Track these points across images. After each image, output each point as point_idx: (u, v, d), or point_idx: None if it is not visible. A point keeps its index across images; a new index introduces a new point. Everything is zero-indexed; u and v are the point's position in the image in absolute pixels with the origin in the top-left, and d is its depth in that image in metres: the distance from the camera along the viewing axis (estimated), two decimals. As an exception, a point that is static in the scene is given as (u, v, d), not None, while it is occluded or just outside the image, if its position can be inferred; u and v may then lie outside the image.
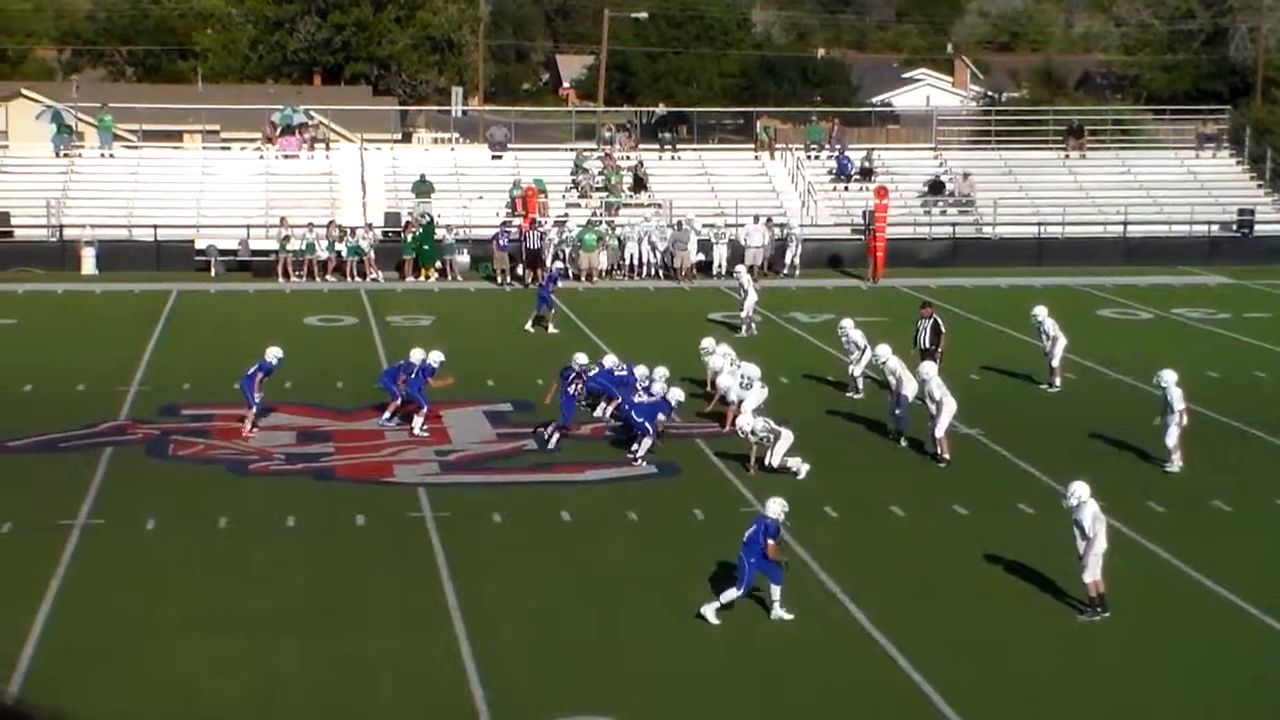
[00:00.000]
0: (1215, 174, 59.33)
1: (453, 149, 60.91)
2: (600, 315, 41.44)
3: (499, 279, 47.51)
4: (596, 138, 60.80)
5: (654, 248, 49.27)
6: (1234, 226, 55.04)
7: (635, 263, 49.17)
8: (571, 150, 58.26)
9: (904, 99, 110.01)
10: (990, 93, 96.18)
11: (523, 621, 19.67)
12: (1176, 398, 26.12)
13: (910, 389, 28.11)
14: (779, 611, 19.81)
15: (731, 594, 19.73)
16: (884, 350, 29.63)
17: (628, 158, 56.64)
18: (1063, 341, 32.60)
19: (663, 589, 20.92)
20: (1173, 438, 26.19)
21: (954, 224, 54.48)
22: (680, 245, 48.61)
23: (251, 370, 29.00)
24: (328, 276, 47.56)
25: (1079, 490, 20.03)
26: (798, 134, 61.80)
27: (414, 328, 39.69)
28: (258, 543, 22.65)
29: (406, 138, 70.69)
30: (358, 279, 47.52)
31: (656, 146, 58.84)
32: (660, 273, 48.96)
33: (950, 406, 27.06)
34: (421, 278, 48.13)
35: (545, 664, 18.34)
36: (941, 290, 45.39)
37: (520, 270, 47.56)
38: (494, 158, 57.22)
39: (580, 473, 26.46)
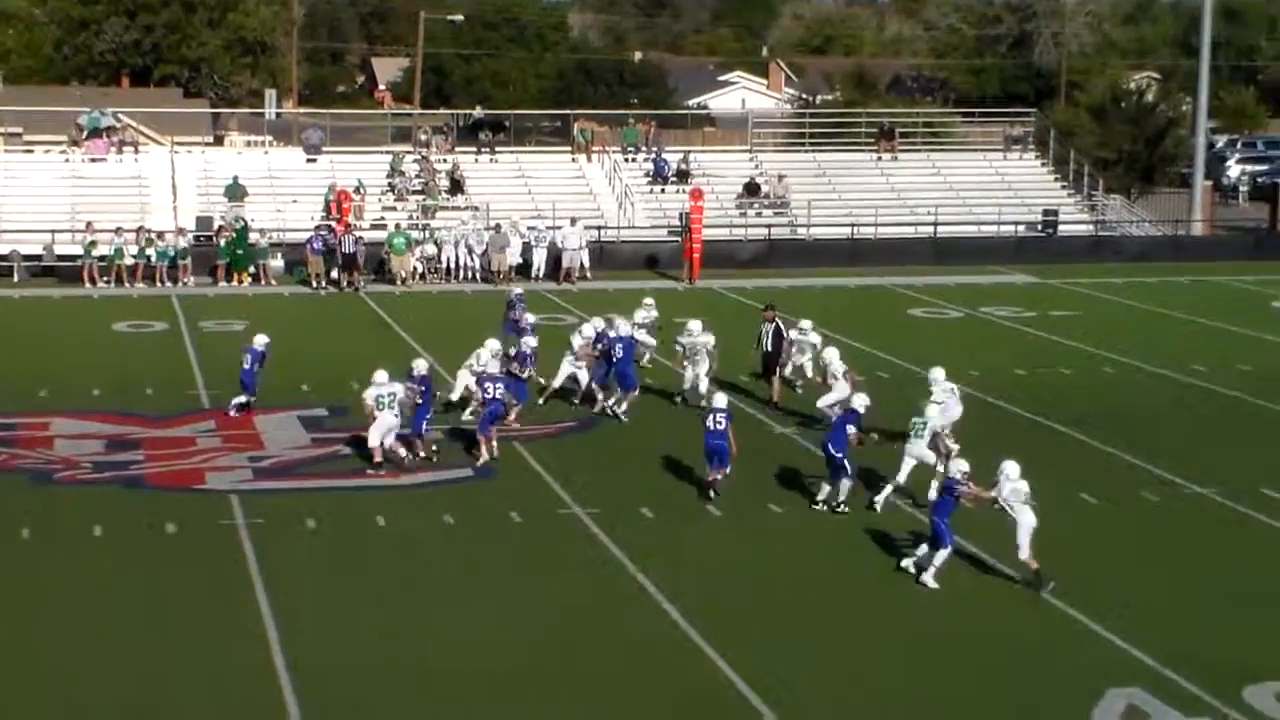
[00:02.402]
0: (1021, 175, 60.56)
1: (266, 152, 60.19)
2: (416, 319, 41.21)
3: (314, 283, 47.03)
4: (413, 140, 60.44)
5: (471, 251, 49.08)
6: (1039, 226, 56.24)
7: (452, 265, 48.95)
8: (388, 153, 57.87)
9: (720, 102, 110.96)
10: (804, 95, 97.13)
11: (337, 627, 19.48)
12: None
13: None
14: (929, 579, 20.92)
15: (941, 555, 20.93)
16: (694, 325, 30.85)
17: (444, 160, 56.41)
18: (809, 355, 31.68)
19: (479, 592, 20.86)
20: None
21: (769, 225, 55.02)
22: (497, 248, 48.50)
23: (248, 365, 29.66)
24: (137, 282, 46.70)
25: (1008, 470, 21.12)
26: (614, 136, 61.94)
27: (227, 333, 39.14)
28: (63, 554, 22.16)
29: (219, 141, 69.72)
30: (168, 284, 46.73)
31: (473, 149, 58.66)
32: (477, 276, 48.79)
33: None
34: (235, 282, 47.48)
35: (359, 670, 18.17)
36: (757, 291, 45.71)
37: (335, 274, 47.13)
38: (309, 161, 56.60)
39: (395, 477, 26.26)
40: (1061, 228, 56.47)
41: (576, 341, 31.12)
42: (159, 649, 18.73)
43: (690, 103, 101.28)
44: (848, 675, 18.24)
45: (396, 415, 26.34)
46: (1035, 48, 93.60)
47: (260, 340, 30.36)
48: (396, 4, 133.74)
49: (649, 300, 35.03)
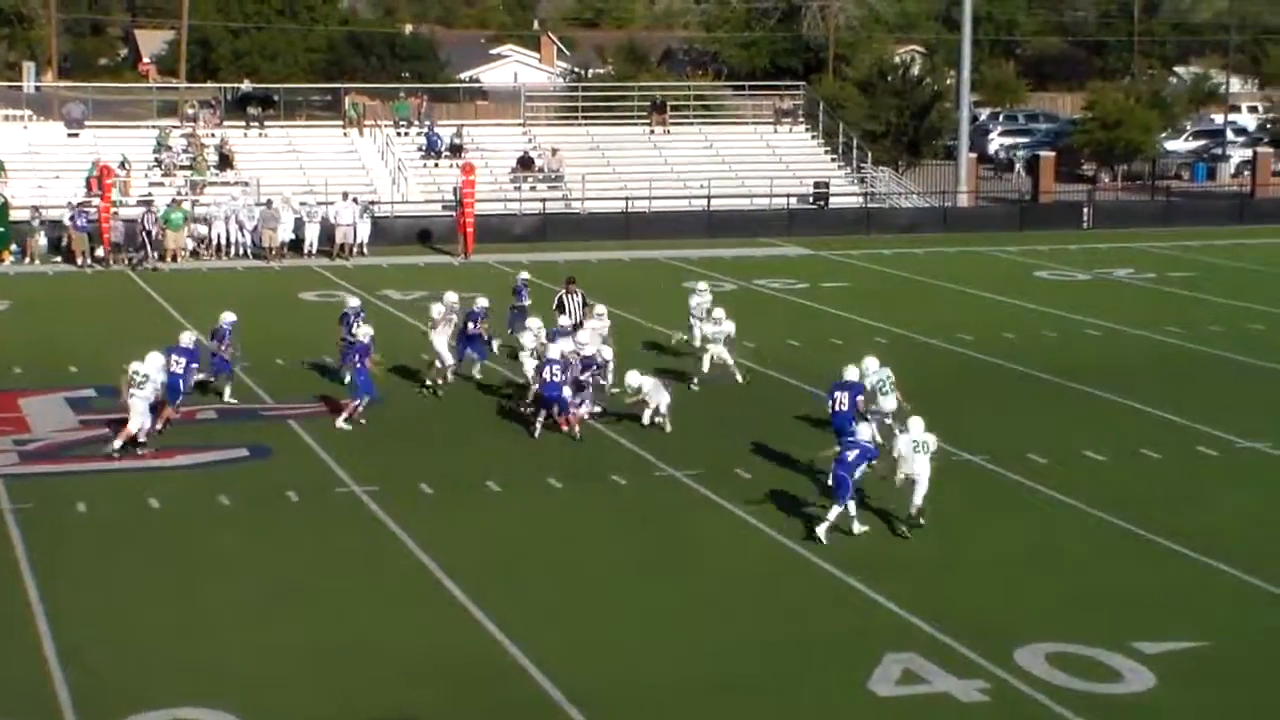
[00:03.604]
0: (792, 148, 61.36)
1: (25, 127, 58.48)
2: (188, 298, 40.46)
3: (79, 260, 45.90)
4: (179, 115, 59.27)
5: (242, 227, 48.28)
6: (810, 199, 57.02)
7: (222, 242, 48.10)
8: (154, 127, 56.72)
9: (492, 75, 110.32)
10: (576, 69, 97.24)
11: (109, 613, 19.06)
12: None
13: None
14: (822, 532, 21.57)
15: (836, 511, 21.71)
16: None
17: (212, 135, 55.43)
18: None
19: (256, 573, 20.57)
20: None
21: (544, 199, 55.03)
22: (269, 224, 47.75)
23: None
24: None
25: (912, 425, 22.20)
26: (386, 110, 61.48)
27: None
28: None
29: (-25, 115, 67.52)
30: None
31: (242, 123, 57.72)
32: (248, 252, 48.01)
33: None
34: (-6, 261, 46.15)
35: (133, 656, 17.80)
36: (534, 265, 45.63)
37: (100, 252, 46.03)
38: (70, 135, 55.28)
39: (169, 458, 25.76)
40: (832, 200, 57.33)
41: (436, 311, 30.45)
42: (-77, 641, 18.16)
43: (462, 76, 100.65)
44: (628, 648, 18.32)
45: (135, 396, 25.54)
46: (804, 21, 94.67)
47: (226, 318, 29.20)
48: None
49: (702, 285, 33.49)
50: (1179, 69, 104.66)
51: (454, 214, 50.69)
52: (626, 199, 54.74)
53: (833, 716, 16.77)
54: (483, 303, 30.83)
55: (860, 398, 24.80)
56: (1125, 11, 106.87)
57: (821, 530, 21.75)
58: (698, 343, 31.47)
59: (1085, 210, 58.62)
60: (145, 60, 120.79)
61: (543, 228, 53.13)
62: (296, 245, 48.50)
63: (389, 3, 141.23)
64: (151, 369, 25.61)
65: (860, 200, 58.72)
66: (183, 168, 53.31)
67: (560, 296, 32.06)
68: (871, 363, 26.25)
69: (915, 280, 45.71)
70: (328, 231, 48.50)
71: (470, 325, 30.44)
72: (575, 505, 23.70)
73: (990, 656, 17.89)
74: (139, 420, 25.54)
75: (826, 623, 19.17)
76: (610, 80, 79.78)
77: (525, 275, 33.99)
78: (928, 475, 22.11)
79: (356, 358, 27.63)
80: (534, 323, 29.95)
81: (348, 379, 29.48)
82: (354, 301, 31.12)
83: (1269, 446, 27.00)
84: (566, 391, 26.85)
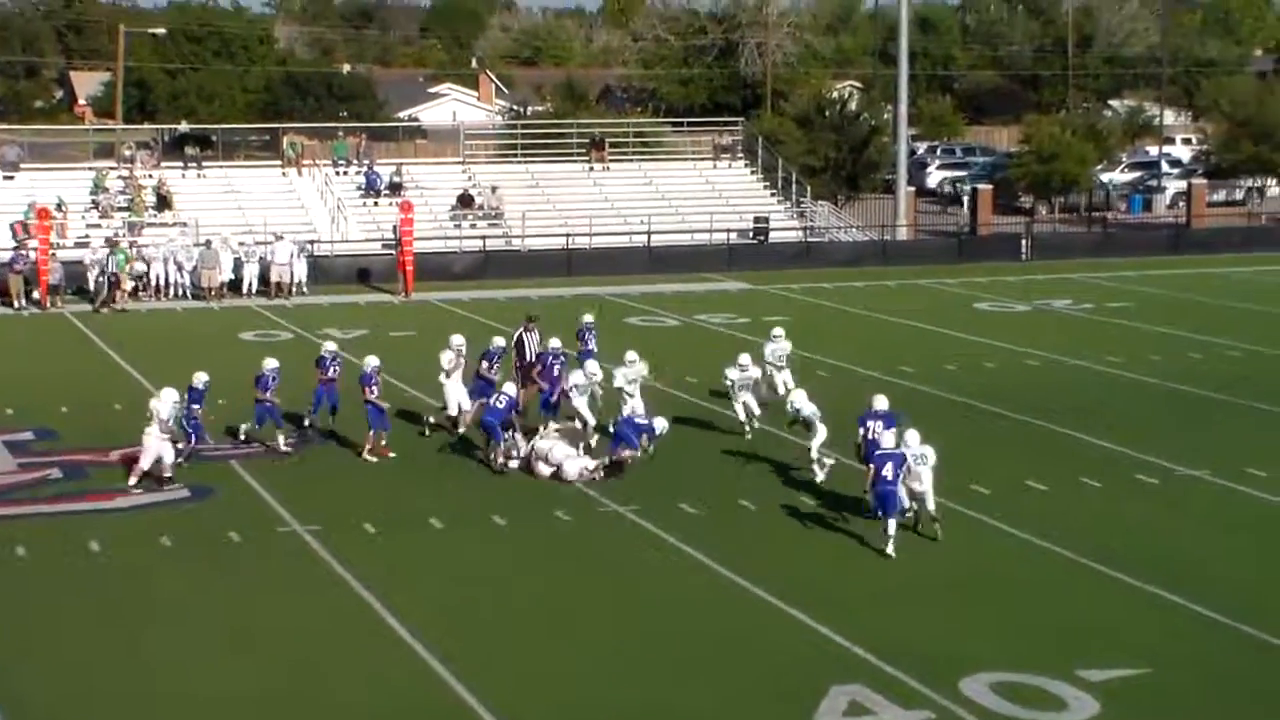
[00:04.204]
0: (732, 184, 61.58)
1: (-40, 170, 58.11)
2: (127, 339, 40.22)
3: (15, 303, 45.58)
4: (116, 156, 59.00)
5: (180, 268, 48.05)
6: (750, 234, 57.22)
7: (161, 283, 47.85)
8: (91, 169, 56.44)
9: (431, 114, 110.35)
10: (515, 106, 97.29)
11: (50, 658, 18.87)
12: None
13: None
14: (890, 549, 22.40)
15: (893, 524, 22.61)
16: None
17: (150, 176, 55.20)
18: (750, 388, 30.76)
19: (200, 616, 20.40)
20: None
21: (484, 237, 55.02)
22: (208, 264, 47.56)
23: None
24: None
25: (909, 439, 23.28)
26: (325, 150, 61.38)
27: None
28: None
29: (-92, 159, 66.97)
30: None
31: (180, 164, 57.51)
32: (188, 293, 47.78)
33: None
34: (-68, 305, 45.78)
35: (74, 700, 17.63)
36: (474, 303, 45.70)
37: (35, 294, 45.73)
38: (6, 179, 54.93)
39: (109, 500, 25.56)
40: (772, 234, 57.53)
41: (446, 358, 29.83)
42: None
43: (401, 115, 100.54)
44: (574, 684, 18.27)
45: (146, 434, 25.95)
46: (741, 58, 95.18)
47: (269, 364, 28.57)
48: (95, 17, 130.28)
49: (778, 331, 32.67)
50: (1113, 102, 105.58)
51: (394, 252, 50.62)
52: (567, 235, 54.78)
53: (780, 749, 16.77)
54: (498, 342, 30.46)
55: (893, 430, 24.63)
56: (1060, 46, 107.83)
57: (889, 548, 22.47)
58: (780, 390, 30.65)
59: (1023, 242, 59.05)
60: (81, 102, 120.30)
61: (484, 265, 53.10)
62: (235, 285, 48.33)
63: (326, 43, 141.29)
64: (163, 405, 25.80)
65: (800, 235, 58.93)
66: (120, 209, 53.03)
67: (519, 335, 31.85)
68: (799, 395, 26.74)
69: (856, 313, 45.90)
70: (266, 271, 48.35)
71: (483, 364, 29.85)
72: (519, 542, 23.63)
73: (936, 687, 17.92)
74: (150, 457, 25.78)
75: (772, 655, 19.14)
76: (549, 118, 79.88)
77: (589, 318, 33.16)
78: (930, 486, 23.10)
79: (365, 389, 27.79)
80: (592, 365, 29.35)
81: (316, 412, 29.29)
82: (330, 345, 30.29)
83: (1208, 474, 27.22)
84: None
